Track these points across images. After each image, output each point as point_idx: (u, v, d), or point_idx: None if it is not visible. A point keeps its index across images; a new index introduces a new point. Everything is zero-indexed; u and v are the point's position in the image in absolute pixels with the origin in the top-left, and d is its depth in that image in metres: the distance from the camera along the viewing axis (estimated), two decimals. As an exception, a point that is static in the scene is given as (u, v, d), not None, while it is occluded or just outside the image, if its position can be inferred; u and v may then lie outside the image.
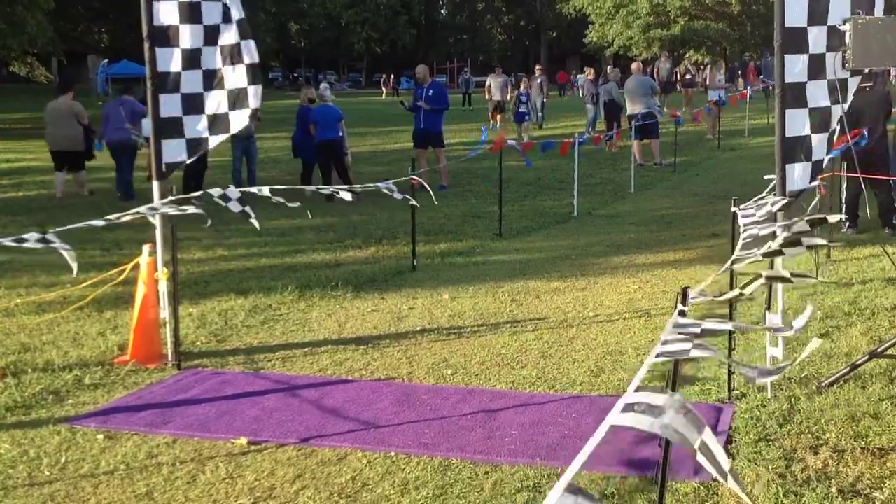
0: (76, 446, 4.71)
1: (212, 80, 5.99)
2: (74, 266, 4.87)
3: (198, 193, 6.02)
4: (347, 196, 6.18)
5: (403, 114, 18.01)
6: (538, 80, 26.11)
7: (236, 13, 6.03)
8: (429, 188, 9.10)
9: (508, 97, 25.83)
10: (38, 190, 15.01)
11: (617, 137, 17.37)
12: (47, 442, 4.77)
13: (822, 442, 4.52)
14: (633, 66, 19.52)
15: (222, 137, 6.16)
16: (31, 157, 19.63)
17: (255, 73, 6.11)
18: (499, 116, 26.01)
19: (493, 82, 26.36)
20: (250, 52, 6.07)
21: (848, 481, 4.09)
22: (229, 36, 6.02)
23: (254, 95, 6.12)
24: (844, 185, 9.67)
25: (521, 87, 22.28)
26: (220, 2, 5.94)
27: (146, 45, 5.79)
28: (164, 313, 6.10)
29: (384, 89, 54.50)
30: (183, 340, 6.29)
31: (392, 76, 56.74)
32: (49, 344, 6.50)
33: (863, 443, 4.48)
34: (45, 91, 48.59)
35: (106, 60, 49.08)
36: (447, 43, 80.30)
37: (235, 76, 6.05)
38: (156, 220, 5.89)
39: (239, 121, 6.15)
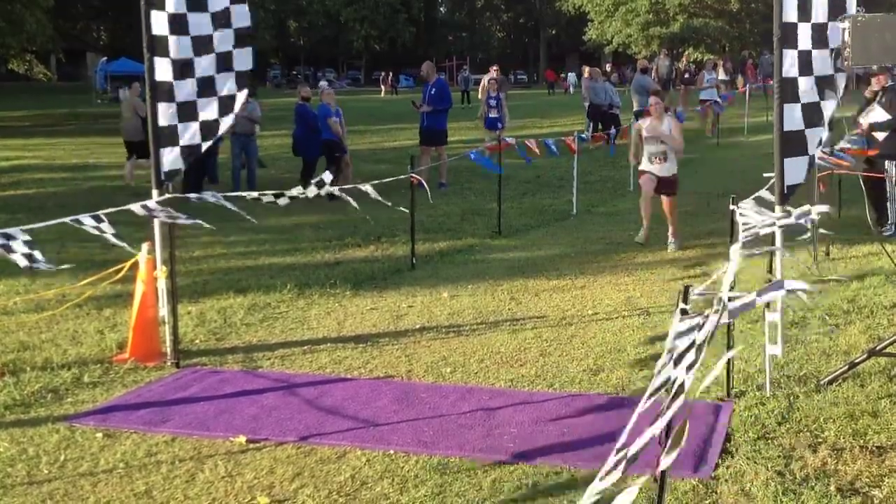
0: (75, 445, 4.71)
1: (204, 87, 5.98)
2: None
3: (193, 196, 6.03)
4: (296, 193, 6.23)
5: (403, 112, 18.00)
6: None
7: (239, 21, 6.02)
8: (426, 187, 9.10)
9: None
10: (36, 188, 15.01)
11: (598, 138, 17.37)
12: (46, 440, 4.76)
13: (820, 440, 4.52)
14: (638, 63, 19.59)
15: (210, 142, 6.17)
16: (30, 155, 19.64)
17: (243, 80, 6.13)
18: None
19: (487, 82, 26.16)
20: (244, 61, 6.09)
21: (847, 479, 4.10)
22: (225, 43, 6.01)
23: (239, 101, 6.15)
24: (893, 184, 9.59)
25: (491, 91, 19.39)
26: (206, 12, 5.92)
27: (146, 55, 5.80)
28: (163, 311, 6.10)
29: (383, 87, 54.47)
30: (182, 339, 6.29)
31: (391, 74, 56.71)
32: (48, 342, 6.50)
33: (861, 441, 4.48)
34: (44, 89, 48.53)
35: (105, 58, 49.02)
36: (446, 41, 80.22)
37: (227, 84, 6.05)
38: (159, 214, 5.88)
39: (225, 125, 6.17)
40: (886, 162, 9.41)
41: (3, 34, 30.63)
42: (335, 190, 6.64)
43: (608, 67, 27.79)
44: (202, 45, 5.96)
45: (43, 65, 51.94)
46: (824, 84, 5.12)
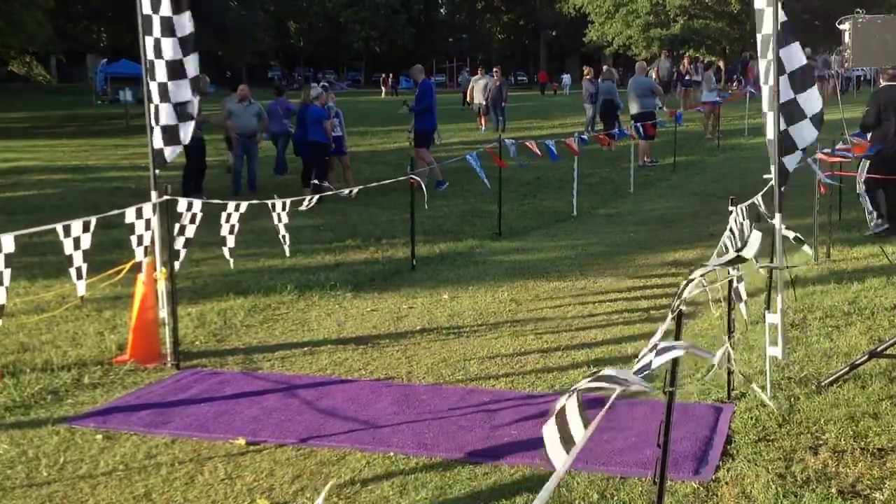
0: (75, 446, 4.70)
1: (182, 73, 5.95)
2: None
3: (184, 200, 6.04)
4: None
5: (403, 114, 18.01)
6: (497, 83, 25.09)
7: (181, 30, 5.98)
8: (424, 189, 9.09)
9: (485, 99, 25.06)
10: (35, 190, 14.99)
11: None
12: (46, 442, 4.76)
13: (821, 442, 4.51)
14: (637, 65, 19.62)
15: (178, 149, 6.14)
16: (30, 156, 19.62)
17: (197, 85, 6.08)
18: (483, 118, 25.69)
19: (475, 84, 25.99)
20: (194, 66, 6.05)
21: (847, 482, 4.09)
22: (175, 51, 5.96)
23: (195, 106, 6.10)
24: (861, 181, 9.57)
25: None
26: (186, 13, 5.90)
27: (142, 56, 5.79)
28: (163, 313, 6.10)
29: (383, 89, 54.46)
30: (182, 340, 6.28)
31: (391, 75, 56.70)
32: (48, 343, 6.49)
33: (862, 443, 4.47)
34: (44, 90, 48.50)
35: (105, 60, 49.00)
36: (446, 42, 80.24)
37: (180, 91, 6.00)
38: (154, 219, 5.87)
39: (187, 132, 6.10)
40: (862, 160, 9.43)
41: (4, 35, 30.61)
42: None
43: (604, 68, 27.74)
44: (182, 47, 5.94)
45: (42, 66, 51.92)
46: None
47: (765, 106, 5.07)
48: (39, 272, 8.46)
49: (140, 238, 5.76)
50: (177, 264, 6.13)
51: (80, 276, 5.35)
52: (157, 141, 6.01)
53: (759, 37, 4.95)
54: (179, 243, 6.03)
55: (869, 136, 9.47)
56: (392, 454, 4.52)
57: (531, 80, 75.17)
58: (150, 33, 5.88)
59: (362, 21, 70.88)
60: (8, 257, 4.82)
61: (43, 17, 32.25)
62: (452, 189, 14.27)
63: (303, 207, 7.00)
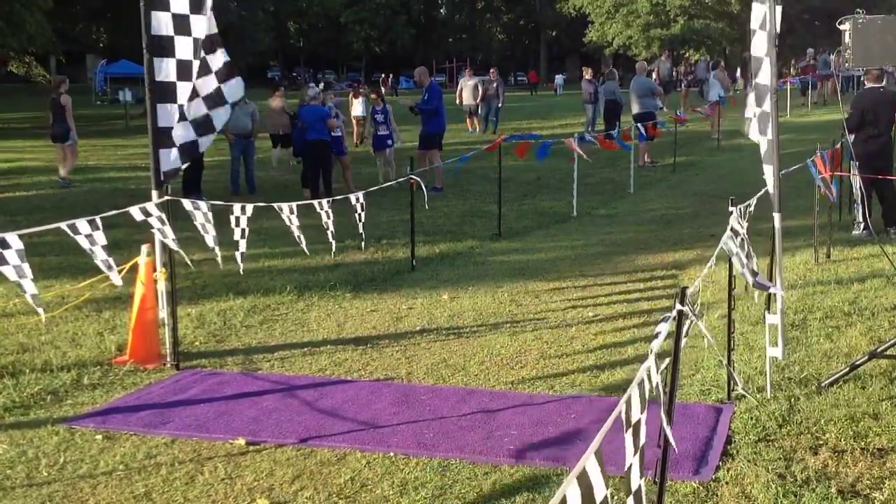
0: (74, 447, 4.70)
1: (195, 91, 5.95)
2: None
3: (188, 201, 6.03)
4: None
5: (403, 113, 18.01)
6: (494, 84, 24.81)
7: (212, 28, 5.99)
8: (424, 190, 9.09)
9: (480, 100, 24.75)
10: (35, 190, 14.98)
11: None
12: (46, 442, 4.76)
13: (821, 442, 4.51)
14: (637, 65, 19.62)
15: (211, 137, 6.13)
16: (30, 157, 19.60)
17: (230, 70, 6.08)
18: (476, 120, 25.29)
19: (465, 86, 25.45)
20: (224, 58, 6.04)
21: (847, 482, 4.09)
22: (209, 46, 5.97)
23: (230, 91, 6.07)
24: (857, 186, 9.58)
25: (376, 105, 15.80)
26: (204, 15, 5.89)
27: (145, 56, 5.78)
28: (163, 313, 6.09)
29: (383, 89, 54.44)
30: (181, 340, 6.28)
31: (391, 76, 56.67)
32: (47, 344, 6.49)
33: (862, 443, 4.47)
34: (43, 91, 48.41)
35: (104, 60, 48.99)
36: (446, 42, 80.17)
37: (210, 82, 6.00)
38: (153, 221, 5.87)
39: (221, 118, 6.11)
40: (850, 163, 9.43)
41: (4, 35, 30.55)
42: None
43: (603, 68, 27.82)
44: (197, 48, 5.93)
45: (42, 66, 51.86)
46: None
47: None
48: (39, 273, 8.41)
49: (162, 232, 5.72)
50: (219, 261, 6.09)
51: (110, 268, 5.35)
52: (186, 137, 5.98)
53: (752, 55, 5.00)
54: (210, 241, 5.97)
55: (852, 138, 9.44)
56: (392, 454, 4.52)
57: (532, 80, 75.17)
58: (190, 33, 5.85)
59: (362, 21, 70.87)
60: (21, 253, 4.83)
61: (42, 17, 32.17)
62: (452, 189, 14.26)
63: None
